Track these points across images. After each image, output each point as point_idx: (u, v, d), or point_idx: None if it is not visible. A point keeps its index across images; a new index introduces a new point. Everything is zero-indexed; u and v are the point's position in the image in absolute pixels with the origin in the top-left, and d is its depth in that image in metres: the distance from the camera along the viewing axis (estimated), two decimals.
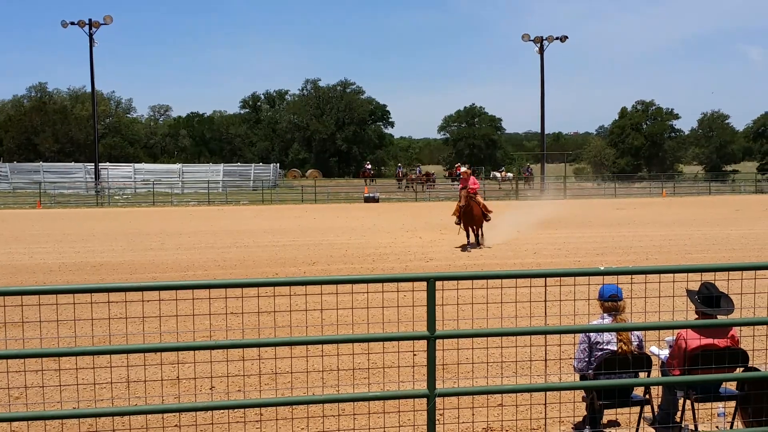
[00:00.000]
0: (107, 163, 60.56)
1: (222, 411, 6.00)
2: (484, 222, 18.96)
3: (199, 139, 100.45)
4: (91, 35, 49.71)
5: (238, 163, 69.64)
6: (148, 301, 5.77)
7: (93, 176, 52.57)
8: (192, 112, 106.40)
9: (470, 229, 18.91)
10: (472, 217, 18.54)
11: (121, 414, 5.08)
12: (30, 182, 53.57)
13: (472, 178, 19.38)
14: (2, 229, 26.44)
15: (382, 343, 7.58)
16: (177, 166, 61.80)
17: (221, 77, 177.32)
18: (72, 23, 49.80)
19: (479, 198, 19.34)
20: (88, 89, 69.78)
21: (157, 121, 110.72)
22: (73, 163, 62.01)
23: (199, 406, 4.81)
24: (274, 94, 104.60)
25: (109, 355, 6.14)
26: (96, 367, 5.88)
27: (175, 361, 7.43)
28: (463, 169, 20.82)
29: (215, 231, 24.90)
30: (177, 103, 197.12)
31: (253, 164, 65.66)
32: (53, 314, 6.19)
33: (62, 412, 5.26)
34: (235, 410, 5.96)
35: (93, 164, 53.43)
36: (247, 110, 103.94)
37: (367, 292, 6.51)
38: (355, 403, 6.15)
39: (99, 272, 15.09)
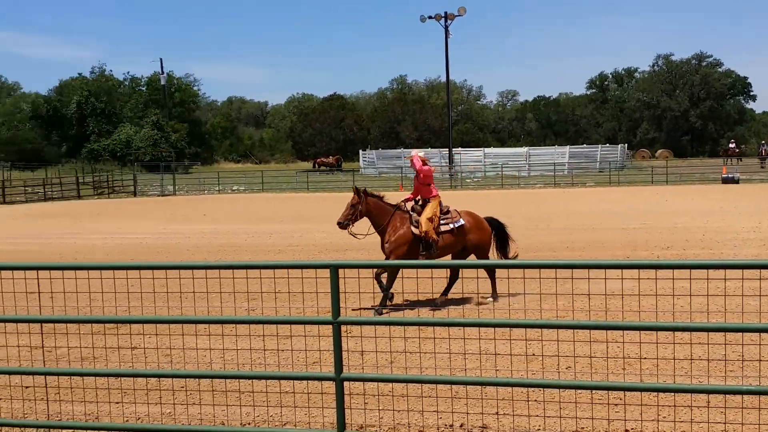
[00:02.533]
0: (459, 148, 63.76)
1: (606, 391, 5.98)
2: None
3: (545, 121, 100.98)
4: (446, 27, 52.66)
5: (584, 145, 68.42)
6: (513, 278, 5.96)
7: (447, 161, 55.80)
8: (538, 96, 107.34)
9: None
10: None
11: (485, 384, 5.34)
12: (393, 167, 58.64)
13: None
14: None
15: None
16: (524, 150, 62.76)
17: (568, 59, 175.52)
18: (429, 17, 53.26)
19: None
20: (443, 79, 74.24)
21: (504, 106, 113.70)
22: (429, 149, 66.46)
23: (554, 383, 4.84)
24: (623, 73, 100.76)
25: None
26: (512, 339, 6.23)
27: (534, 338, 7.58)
28: None
29: (561, 213, 24.84)
30: (524, 88, 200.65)
31: (599, 145, 64.03)
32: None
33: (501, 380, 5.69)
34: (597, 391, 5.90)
35: (447, 150, 56.75)
36: (593, 91, 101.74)
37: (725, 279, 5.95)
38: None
39: None
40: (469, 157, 60.61)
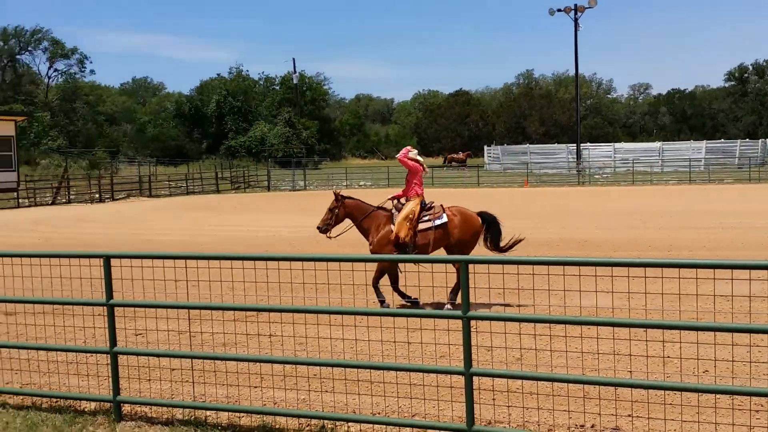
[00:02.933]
0: (588, 144, 62.04)
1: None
2: None
3: (679, 115, 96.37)
4: (576, 20, 51.33)
5: (722, 140, 64.84)
6: (633, 277, 5.80)
7: (575, 156, 54.41)
8: (672, 89, 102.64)
9: None
10: None
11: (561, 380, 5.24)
12: (518, 163, 57.83)
13: None
14: (494, 204, 29.22)
15: None
16: (656, 145, 60.20)
17: (704, 50, 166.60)
18: (559, 10, 52.09)
19: None
20: (571, 73, 72.42)
21: (636, 99, 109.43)
22: (556, 145, 65.03)
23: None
24: (764, 64, 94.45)
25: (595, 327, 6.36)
26: (585, 337, 6.14)
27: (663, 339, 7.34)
28: None
29: (698, 211, 23.69)
30: (656, 81, 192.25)
31: (738, 140, 60.45)
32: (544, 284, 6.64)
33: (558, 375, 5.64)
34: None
35: (575, 145, 55.33)
36: (732, 83, 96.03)
37: None
38: None
39: (584, 248, 15.61)
40: (598, 152, 58.83)
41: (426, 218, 9.87)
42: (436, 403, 5.92)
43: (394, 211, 10.07)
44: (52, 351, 6.98)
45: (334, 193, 10.35)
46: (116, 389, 5.97)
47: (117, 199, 41.07)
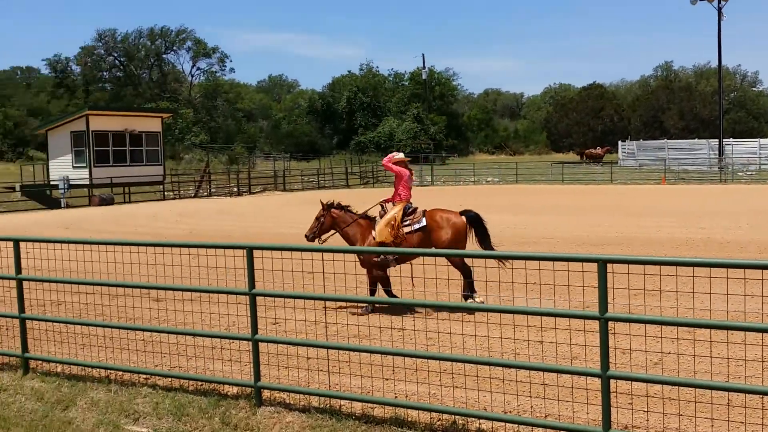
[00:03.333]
0: (731, 139, 58.62)
1: None
2: None
3: None
4: (719, 9, 48.58)
5: None
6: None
7: (716, 152, 51.56)
8: None
9: None
10: None
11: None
12: (655, 159, 55.47)
13: None
14: (630, 202, 28.25)
15: None
16: None
17: None
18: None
19: None
20: (713, 65, 68.58)
21: None
22: (696, 140, 61.85)
23: None
24: None
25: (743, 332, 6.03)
26: (730, 343, 5.85)
27: None
28: None
29: None
30: None
31: None
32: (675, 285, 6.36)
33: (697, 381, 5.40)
34: None
35: (717, 140, 52.42)
36: None
37: None
38: None
39: (725, 249, 14.80)
40: (741, 148, 55.47)
41: (407, 223, 9.95)
42: (570, 405, 5.81)
43: (377, 217, 10.18)
44: (197, 336, 7.38)
45: (321, 203, 10.51)
46: (257, 375, 6.25)
47: (254, 193, 42.83)
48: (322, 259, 6.44)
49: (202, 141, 70.37)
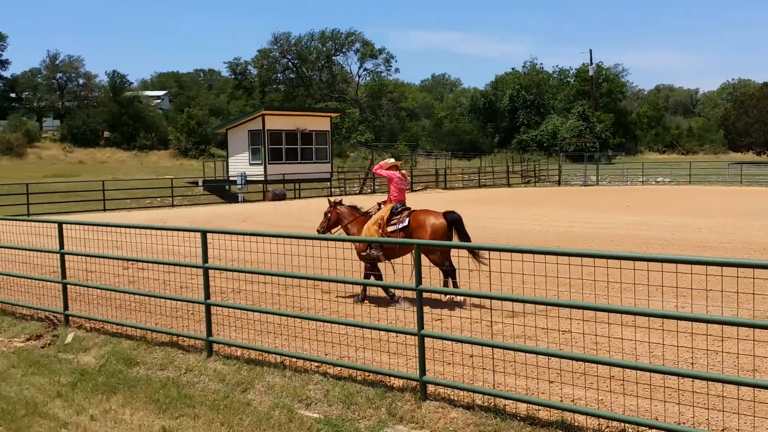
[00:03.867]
0: None
1: None
2: None
3: None
4: None
5: None
6: None
7: None
8: None
9: None
10: None
11: None
12: None
13: None
14: None
15: None
16: None
17: None
18: None
19: None
20: None
21: None
22: None
23: None
24: None
25: None
26: None
27: None
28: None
29: None
30: None
31: None
32: None
33: None
34: None
35: None
36: None
37: None
38: None
39: None
40: None
41: (393, 222, 10.48)
42: (752, 419, 5.47)
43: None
44: (364, 328, 7.63)
45: (328, 200, 11.37)
46: (422, 370, 6.38)
47: (416, 191, 43.43)
48: (489, 259, 6.46)
49: (367, 139, 72.29)
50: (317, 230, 11.06)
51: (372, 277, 10.38)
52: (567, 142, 71.50)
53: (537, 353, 6.56)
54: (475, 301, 9.01)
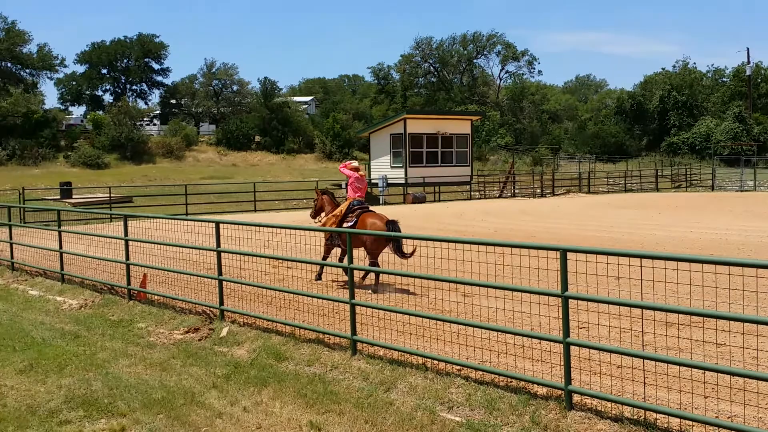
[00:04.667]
0: None
1: None
2: None
3: None
4: None
5: None
6: None
7: None
8: None
9: None
10: None
11: None
12: None
13: None
14: None
15: None
16: None
17: None
18: None
19: None
20: None
21: None
22: None
23: None
24: None
25: None
26: None
27: None
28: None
29: None
30: None
31: None
32: None
33: None
34: None
35: None
36: None
37: None
38: None
39: None
40: None
41: (348, 219, 12.25)
42: None
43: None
44: (506, 333, 7.56)
45: (316, 190, 13.47)
46: (568, 378, 6.24)
47: (557, 195, 42.49)
48: (641, 266, 6.22)
49: (508, 143, 71.42)
50: (310, 215, 13.47)
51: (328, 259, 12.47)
52: (721, 145, 67.44)
53: (691, 366, 6.25)
54: (624, 311, 8.69)
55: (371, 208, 12.83)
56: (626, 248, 15.44)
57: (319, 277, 12.57)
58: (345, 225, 12.14)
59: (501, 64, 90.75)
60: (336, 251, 12.97)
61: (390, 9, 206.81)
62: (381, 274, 11.80)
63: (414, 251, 11.11)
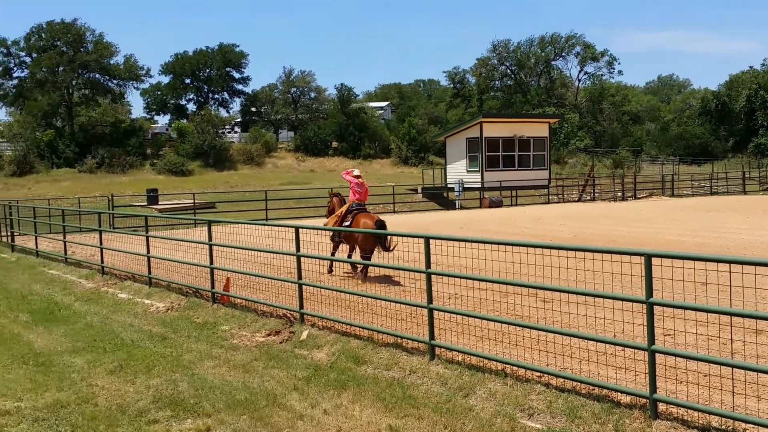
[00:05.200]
0: None
1: None
2: None
3: None
4: None
5: None
6: None
7: None
8: None
9: None
10: None
11: None
12: None
13: None
14: None
15: None
16: None
17: None
18: None
19: None
20: None
21: None
22: None
23: None
24: None
25: None
26: None
27: None
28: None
29: None
30: None
31: None
32: None
33: None
34: None
35: None
36: None
37: None
38: None
39: None
40: None
41: (347, 219, 13.70)
42: None
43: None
44: (588, 340, 7.42)
45: (329, 192, 15.49)
46: (653, 387, 6.09)
47: (639, 198, 41.42)
48: (731, 271, 6.02)
49: (587, 145, 70.03)
50: (326, 215, 15.22)
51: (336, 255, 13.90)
52: None
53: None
54: (711, 317, 8.41)
55: (368, 209, 14.45)
56: (712, 253, 14.93)
57: (330, 270, 13.95)
58: (345, 224, 13.62)
59: (580, 65, 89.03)
60: (344, 247, 14.31)
61: (466, 12, 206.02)
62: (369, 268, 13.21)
63: (395, 246, 12.22)
